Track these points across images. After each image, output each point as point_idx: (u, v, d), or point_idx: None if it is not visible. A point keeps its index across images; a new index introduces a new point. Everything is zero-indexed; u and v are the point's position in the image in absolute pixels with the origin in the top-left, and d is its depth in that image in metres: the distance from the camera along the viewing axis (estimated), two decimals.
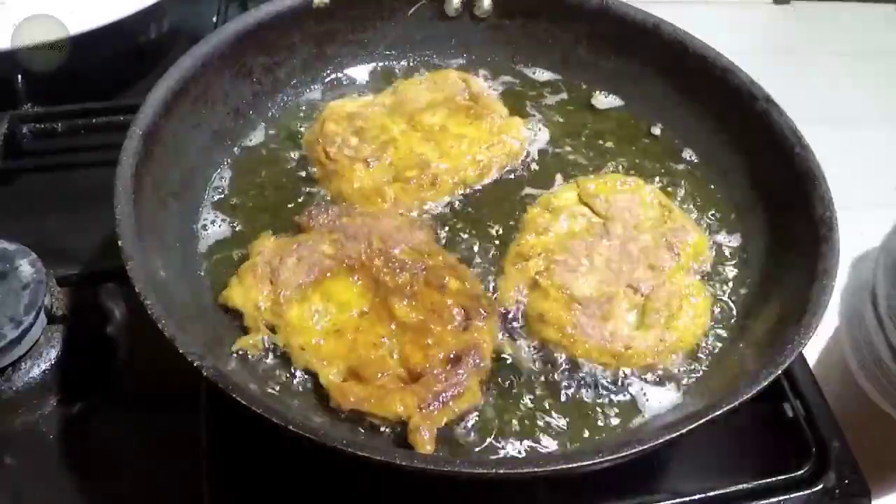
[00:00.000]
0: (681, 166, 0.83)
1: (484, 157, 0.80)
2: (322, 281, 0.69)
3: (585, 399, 0.67)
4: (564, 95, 0.88)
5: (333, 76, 0.88)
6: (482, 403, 0.66)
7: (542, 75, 0.90)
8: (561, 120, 0.86)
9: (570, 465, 0.56)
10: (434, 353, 0.66)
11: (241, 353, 0.66)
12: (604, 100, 0.87)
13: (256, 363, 0.66)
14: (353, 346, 0.66)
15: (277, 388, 0.65)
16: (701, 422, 0.57)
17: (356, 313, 0.68)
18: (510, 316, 0.71)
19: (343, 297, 0.69)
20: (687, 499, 0.67)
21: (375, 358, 0.66)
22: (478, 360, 0.66)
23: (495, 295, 0.72)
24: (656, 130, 0.85)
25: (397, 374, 0.65)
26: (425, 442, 0.61)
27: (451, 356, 0.66)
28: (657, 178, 0.81)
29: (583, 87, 0.89)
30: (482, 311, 0.68)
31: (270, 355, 0.67)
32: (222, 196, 0.78)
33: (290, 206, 0.78)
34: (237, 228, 0.75)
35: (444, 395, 0.64)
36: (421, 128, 0.81)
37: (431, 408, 0.63)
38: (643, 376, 0.68)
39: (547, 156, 0.83)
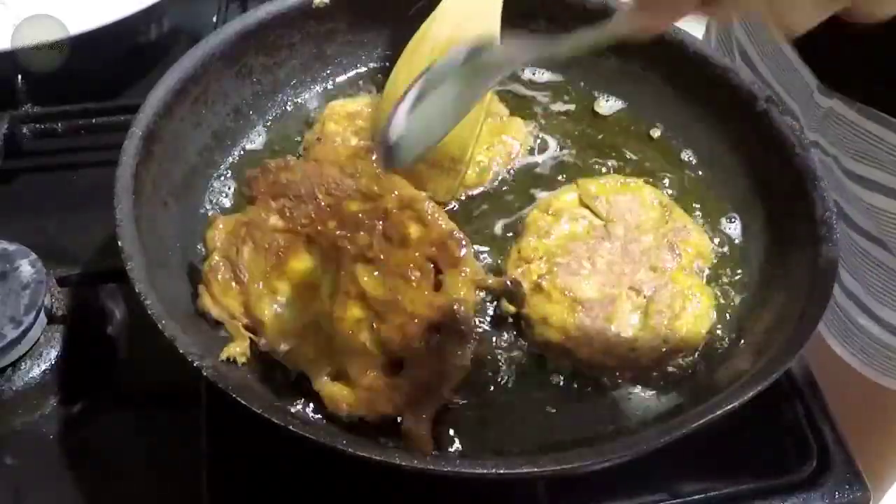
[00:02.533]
0: (681, 166, 0.83)
1: (484, 157, 0.80)
2: (284, 263, 0.64)
3: (586, 401, 0.67)
4: (565, 96, 0.88)
5: (334, 76, 0.88)
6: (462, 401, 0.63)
7: (543, 76, 0.89)
8: (561, 120, 0.86)
9: (570, 465, 0.56)
10: (410, 331, 0.61)
11: (231, 360, 0.64)
12: (605, 103, 0.87)
13: (253, 363, 0.66)
14: (332, 339, 0.62)
15: (277, 387, 0.65)
16: (701, 422, 0.57)
17: (326, 295, 0.63)
18: (510, 320, 0.71)
19: (309, 277, 0.64)
20: (687, 499, 0.67)
21: (356, 351, 0.61)
22: (459, 327, 0.60)
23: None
24: (656, 131, 0.85)
25: (381, 365, 0.61)
26: (421, 442, 0.59)
27: (431, 329, 0.60)
28: (657, 179, 0.81)
29: (583, 87, 0.89)
30: (448, 257, 0.61)
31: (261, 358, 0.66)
32: (223, 196, 0.78)
33: None
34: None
35: (433, 386, 0.59)
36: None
37: (420, 403, 0.59)
38: (645, 377, 0.68)
39: (547, 156, 0.83)
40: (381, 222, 0.62)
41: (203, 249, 0.74)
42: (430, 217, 0.63)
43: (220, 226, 0.67)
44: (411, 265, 0.61)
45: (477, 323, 0.65)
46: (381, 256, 0.62)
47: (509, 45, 0.60)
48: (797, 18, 0.46)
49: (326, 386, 0.62)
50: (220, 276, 0.64)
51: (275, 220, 0.65)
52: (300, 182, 0.64)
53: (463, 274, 0.62)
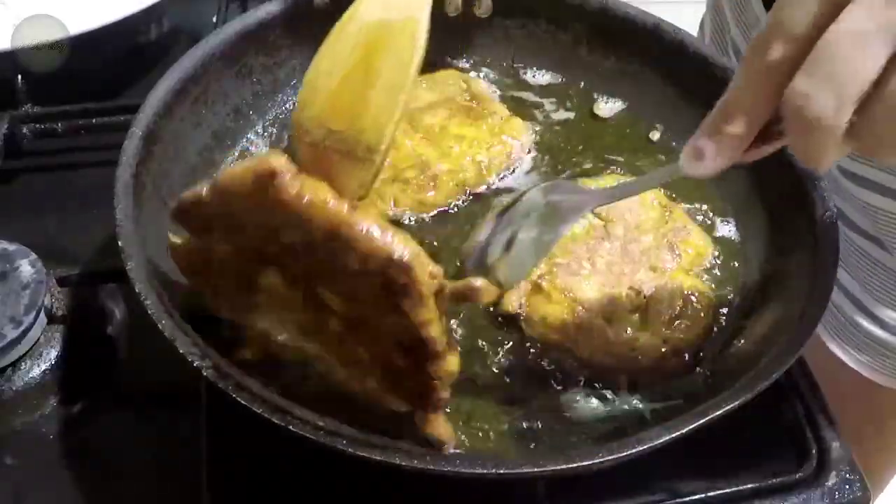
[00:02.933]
0: None
1: (484, 157, 0.80)
2: (254, 282, 0.59)
3: (586, 400, 0.67)
4: (566, 100, 0.88)
5: None
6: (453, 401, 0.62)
7: (543, 76, 0.90)
8: (561, 120, 0.86)
9: (570, 465, 0.56)
10: (386, 345, 0.57)
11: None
12: (604, 105, 0.87)
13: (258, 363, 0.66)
14: (328, 345, 0.60)
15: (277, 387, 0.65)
16: (701, 422, 0.57)
17: (304, 308, 0.59)
18: (510, 319, 0.71)
19: (280, 291, 0.60)
20: (687, 499, 0.67)
21: (349, 361, 0.59)
22: (428, 348, 0.56)
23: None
24: (656, 132, 0.85)
25: (377, 372, 0.60)
26: (442, 440, 0.59)
27: (402, 347, 0.57)
28: None
29: (583, 87, 0.89)
30: (397, 286, 0.54)
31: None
32: None
33: None
34: None
35: (422, 394, 0.58)
36: (421, 128, 0.81)
37: (424, 406, 0.59)
38: (645, 377, 0.68)
39: (548, 156, 0.83)
40: (315, 251, 0.55)
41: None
42: (361, 244, 0.55)
43: (180, 255, 0.62)
44: (362, 293, 0.56)
45: (453, 330, 0.66)
46: (332, 281, 0.57)
47: (584, 192, 0.63)
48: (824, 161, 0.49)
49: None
50: (206, 292, 0.63)
51: (221, 248, 0.60)
52: (221, 214, 0.58)
53: (418, 295, 0.56)
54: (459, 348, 0.59)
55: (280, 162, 0.55)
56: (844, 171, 0.87)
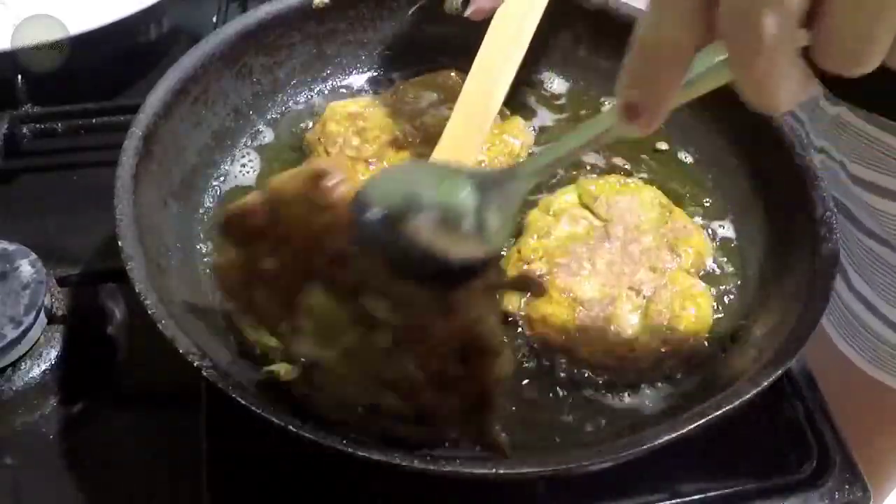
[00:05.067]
0: (680, 166, 0.83)
1: (485, 157, 0.80)
2: (295, 301, 0.58)
3: (586, 401, 0.67)
4: (565, 96, 0.88)
5: (334, 76, 0.88)
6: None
7: (543, 75, 0.90)
8: (561, 119, 0.86)
9: (570, 465, 0.56)
10: (441, 353, 0.56)
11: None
12: (609, 107, 0.87)
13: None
14: (371, 364, 0.58)
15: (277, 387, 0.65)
16: (701, 422, 0.57)
17: (349, 325, 0.58)
18: (510, 319, 0.71)
19: (325, 308, 0.58)
20: (687, 499, 0.67)
21: (399, 377, 0.57)
22: (484, 345, 0.56)
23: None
24: (658, 130, 0.85)
25: (428, 387, 0.57)
26: (498, 451, 0.58)
27: (458, 350, 0.57)
28: (657, 179, 0.81)
29: (583, 87, 0.89)
30: None
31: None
32: (223, 197, 0.78)
33: None
34: None
35: (479, 401, 0.57)
36: (422, 128, 0.81)
37: (479, 417, 0.57)
38: (645, 377, 0.68)
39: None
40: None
41: (203, 248, 0.74)
42: None
43: (222, 275, 0.61)
44: (413, 296, 0.55)
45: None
46: (381, 287, 0.56)
47: (512, 178, 0.56)
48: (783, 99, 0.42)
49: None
50: (246, 324, 0.63)
51: (266, 263, 0.59)
52: (268, 227, 0.58)
53: (474, 290, 0.56)
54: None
55: (330, 164, 0.57)
56: (856, 178, 0.88)
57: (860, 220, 0.91)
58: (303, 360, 0.59)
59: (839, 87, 0.86)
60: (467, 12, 0.74)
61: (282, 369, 0.61)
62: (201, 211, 0.76)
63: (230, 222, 0.59)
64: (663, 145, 0.84)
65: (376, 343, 0.57)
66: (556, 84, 0.89)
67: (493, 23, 0.73)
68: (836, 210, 0.70)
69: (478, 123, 0.70)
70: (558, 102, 0.88)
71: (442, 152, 0.69)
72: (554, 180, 0.80)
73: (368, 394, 0.58)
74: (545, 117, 0.86)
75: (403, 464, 0.55)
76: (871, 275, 0.93)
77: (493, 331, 0.56)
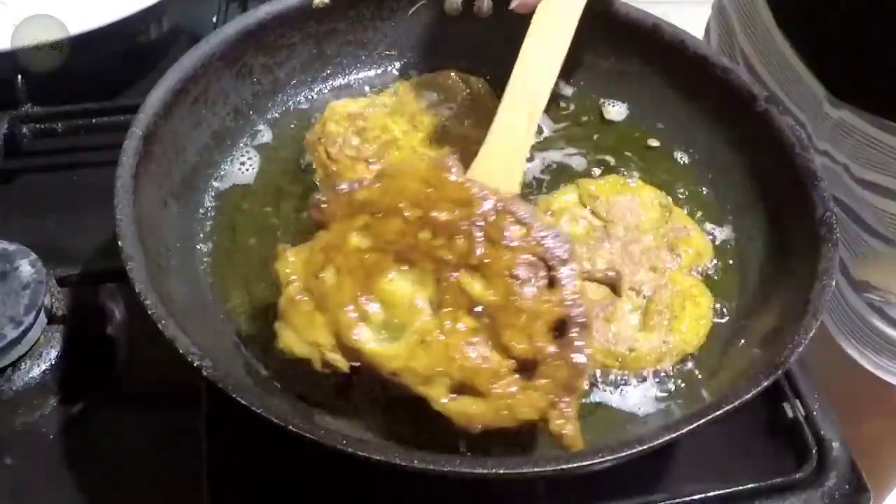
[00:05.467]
0: (680, 166, 0.83)
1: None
2: (373, 284, 0.59)
3: (586, 401, 0.67)
4: (565, 96, 0.88)
5: (334, 76, 0.88)
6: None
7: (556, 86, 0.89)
8: (561, 118, 0.86)
9: (570, 466, 0.56)
10: (537, 330, 0.57)
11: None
12: (611, 108, 0.87)
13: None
14: (448, 353, 0.58)
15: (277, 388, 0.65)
16: (701, 422, 0.57)
17: (429, 311, 0.59)
18: None
19: (405, 295, 0.59)
20: (686, 499, 0.67)
21: (480, 363, 0.57)
22: (582, 318, 0.58)
23: None
24: (656, 130, 0.85)
25: (511, 371, 0.58)
26: (575, 441, 0.57)
27: (555, 325, 0.58)
28: (657, 179, 0.81)
29: (583, 86, 0.89)
30: (556, 253, 0.58)
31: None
32: (222, 197, 0.78)
33: (290, 204, 0.78)
34: (237, 228, 0.75)
35: (572, 382, 0.57)
36: (422, 128, 0.81)
37: (566, 401, 0.57)
38: (644, 378, 0.68)
39: (548, 157, 0.83)
40: (478, 227, 0.59)
41: (203, 247, 0.74)
42: (528, 217, 0.60)
43: (292, 258, 0.61)
44: (522, 265, 0.58)
45: None
46: (487, 261, 0.59)
47: None
48: None
49: (452, 404, 0.58)
50: (300, 307, 0.60)
51: (356, 241, 0.60)
52: (379, 198, 0.60)
53: (572, 269, 0.59)
54: None
55: (454, 159, 0.62)
56: (860, 181, 0.88)
57: (864, 219, 0.91)
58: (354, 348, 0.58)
59: (844, 91, 0.86)
60: (512, 5, 0.74)
61: (338, 360, 0.59)
62: (201, 211, 0.76)
63: (336, 193, 0.61)
64: (654, 142, 0.84)
65: (462, 328, 0.57)
66: (557, 84, 0.89)
67: (536, 15, 0.72)
68: (836, 210, 0.70)
69: (528, 113, 0.69)
70: (559, 103, 0.88)
71: (491, 146, 0.68)
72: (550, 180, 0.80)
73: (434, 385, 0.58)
74: (545, 117, 0.86)
75: (403, 464, 0.55)
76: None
77: (587, 307, 0.58)
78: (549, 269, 0.58)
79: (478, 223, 0.59)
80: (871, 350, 0.98)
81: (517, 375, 0.58)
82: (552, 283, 0.59)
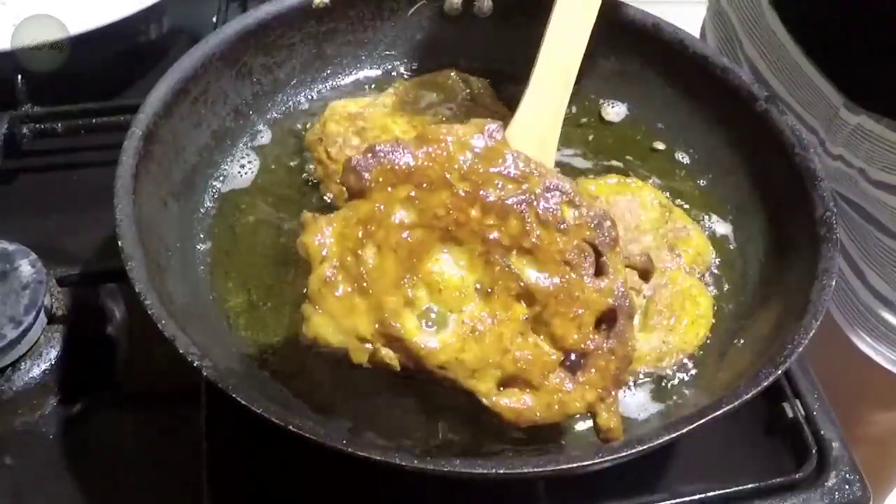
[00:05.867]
0: (680, 166, 0.83)
1: None
2: (419, 265, 0.53)
3: None
4: (572, 106, 0.88)
5: (334, 76, 0.88)
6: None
7: None
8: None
9: (570, 466, 0.56)
10: (587, 320, 0.54)
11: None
12: (611, 109, 0.87)
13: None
14: (501, 344, 0.54)
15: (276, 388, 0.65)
16: (701, 422, 0.57)
17: (478, 297, 0.54)
18: None
19: (453, 278, 0.54)
20: (686, 499, 0.67)
21: (534, 354, 0.54)
22: (628, 308, 0.55)
23: None
24: (656, 131, 0.85)
25: (560, 363, 0.55)
26: (618, 433, 0.56)
27: (603, 316, 0.56)
28: (657, 179, 0.81)
29: (582, 86, 0.88)
30: (607, 238, 0.56)
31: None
32: (222, 197, 0.78)
33: (290, 204, 0.78)
34: (237, 228, 0.76)
35: (619, 373, 0.55)
36: (422, 128, 0.81)
37: (612, 394, 0.55)
38: (644, 378, 0.68)
39: None
40: (530, 207, 0.54)
41: (203, 247, 0.74)
42: (578, 198, 0.56)
43: (326, 230, 0.54)
44: (575, 250, 0.54)
45: None
46: (540, 244, 0.54)
47: None
48: None
49: (503, 399, 0.54)
50: (339, 292, 0.53)
51: (401, 214, 0.54)
52: (425, 166, 0.54)
53: (619, 254, 0.57)
54: None
55: (498, 126, 0.56)
56: (877, 183, 0.89)
57: (880, 221, 0.92)
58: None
59: (863, 98, 0.86)
60: None
61: (387, 356, 0.54)
62: (201, 211, 0.76)
63: (375, 154, 0.54)
64: (660, 145, 0.84)
65: (513, 315, 0.54)
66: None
67: None
68: (849, 211, 0.70)
69: (562, 80, 0.67)
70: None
71: (525, 114, 0.65)
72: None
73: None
74: None
75: (403, 464, 0.55)
76: (889, 272, 0.94)
77: (629, 295, 0.56)
78: (598, 254, 0.56)
79: (531, 202, 0.54)
80: (881, 343, 0.99)
81: (564, 370, 0.55)
82: (600, 269, 0.56)
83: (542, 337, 0.55)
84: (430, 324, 0.54)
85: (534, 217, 0.54)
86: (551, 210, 0.55)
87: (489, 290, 0.54)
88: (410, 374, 0.55)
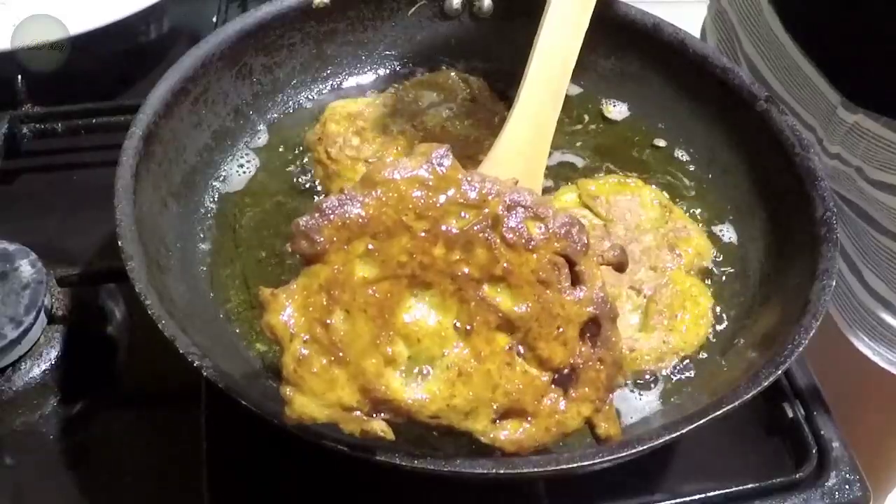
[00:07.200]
0: (681, 166, 0.83)
1: (485, 157, 0.80)
2: (392, 319, 0.51)
3: None
4: (573, 108, 0.88)
5: (334, 76, 0.88)
6: None
7: None
8: (560, 118, 0.86)
9: (569, 466, 0.56)
10: (570, 335, 0.54)
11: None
12: (612, 108, 0.87)
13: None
14: (490, 380, 0.53)
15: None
16: (701, 422, 0.57)
17: (459, 337, 0.53)
18: None
19: (430, 324, 0.52)
20: (686, 499, 0.67)
21: (523, 382, 0.53)
22: (612, 313, 0.55)
23: None
24: (656, 130, 0.85)
25: (551, 384, 0.55)
26: (616, 435, 0.56)
27: (586, 325, 0.55)
28: (657, 179, 0.81)
29: (583, 86, 0.89)
30: (578, 245, 0.54)
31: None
32: (222, 197, 0.78)
33: (289, 204, 0.78)
34: (237, 229, 0.76)
35: (611, 379, 0.55)
36: (422, 128, 0.81)
37: (606, 402, 0.55)
38: (644, 378, 0.68)
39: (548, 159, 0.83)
40: (495, 231, 0.53)
41: (203, 247, 0.74)
42: (541, 209, 0.55)
43: (288, 304, 0.51)
44: (548, 266, 0.53)
45: None
46: (511, 268, 0.53)
47: None
48: None
49: (500, 433, 0.54)
50: (315, 369, 0.50)
51: (362, 271, 0.52)
52: (377, 214, 0.51)
53: (594, 259, 0.56)
54: None
55: (445, 151, 0.54)
56: (874, 182, 0.89)
57: (877, 220, 0.92)
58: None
59: (861, 96, 0.86)
60: None
61: (379, 428, 0.52)
62: (201, 211, 0.76)
63: (323, 213, 0.51)
64: (660, 143, 0.84)
65: (496, 347, 0.53)
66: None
67: None
68: (847, 210, 0.70)
69: (558, 75, 0.67)
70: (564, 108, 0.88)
71: (514, 125, 0.64)
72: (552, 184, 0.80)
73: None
74: None
75: (403, 464, 0.55)
76: (886, 272, 0.94)
77: (609, 296, 0.55)
78: (572, 263, 0.54)
79: (495, 226, 0.53)
80: (881, 345, 0.99)
81: (556, 390, 0.55)
82: (576, 278, 0.55)
83: (528, 360, 0.54)
84: (415, 376, 0.53)
85: (500, 241, 0.53)
86: (517, 230, 0.53)
87: (468, 328, 0.53)
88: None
